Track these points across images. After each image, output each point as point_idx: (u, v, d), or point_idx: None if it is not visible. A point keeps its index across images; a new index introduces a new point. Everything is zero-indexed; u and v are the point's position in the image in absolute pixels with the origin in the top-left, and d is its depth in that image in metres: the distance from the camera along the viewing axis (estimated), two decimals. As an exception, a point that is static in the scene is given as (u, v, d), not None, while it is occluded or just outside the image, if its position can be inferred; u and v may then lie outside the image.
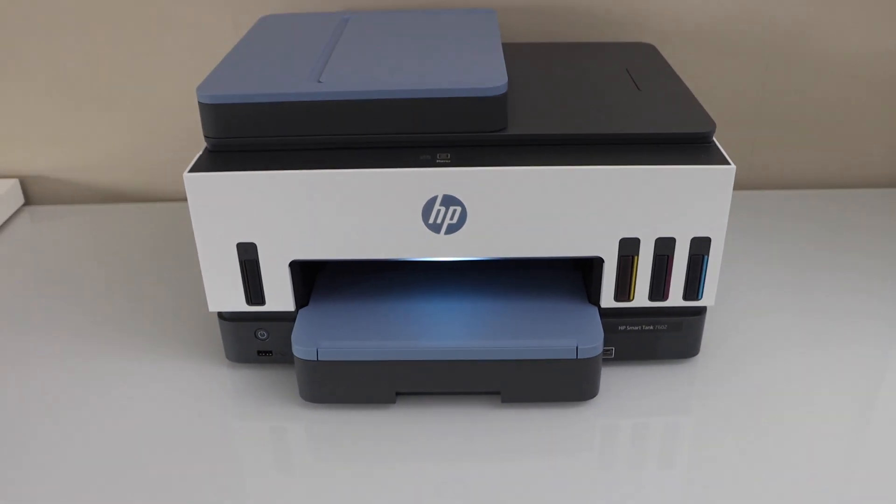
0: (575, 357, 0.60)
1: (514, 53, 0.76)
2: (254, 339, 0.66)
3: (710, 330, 0.70)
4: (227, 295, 0.63)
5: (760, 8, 0.88)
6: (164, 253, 0.86)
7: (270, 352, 0.66)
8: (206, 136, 0.61)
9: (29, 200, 0.98)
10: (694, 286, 0.62)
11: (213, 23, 0.89)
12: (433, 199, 0.59)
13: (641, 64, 0.75)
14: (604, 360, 0.64)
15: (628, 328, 0.65)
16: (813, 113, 0.94)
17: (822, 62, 0.91)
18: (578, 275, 0.68)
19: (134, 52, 0.90)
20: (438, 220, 0.59)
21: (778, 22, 0.89)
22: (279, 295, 0.63)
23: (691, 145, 0.61)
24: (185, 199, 0.96)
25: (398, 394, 0.63)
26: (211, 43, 0.90)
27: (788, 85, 0.93)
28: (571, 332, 0.61)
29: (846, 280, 0.79)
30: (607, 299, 0.63)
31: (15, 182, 0.96)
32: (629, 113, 0.64)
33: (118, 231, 0.91)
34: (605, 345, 0.64)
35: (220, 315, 0.66)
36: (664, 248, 0.61)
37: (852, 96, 0.93)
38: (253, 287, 0.62)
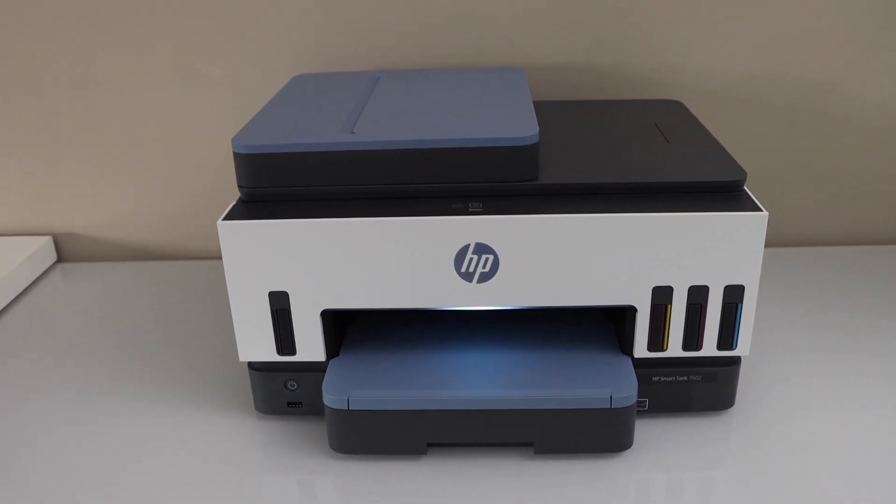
0: (609, 406, 0.59)
1: (543, 110, 0.77)
2: (284, 390, 0.66)
3: (745, 384, 0.69)
4: (258, 345, 0.63)
5: (787, 63, 0.89)
6: (195, 309, 0.86)
7: (300, 403, 0.66)
8: (240, 186, 0.62)
9: (61, 258, 1.00)
10: (728, 335, 0.62)
11: (245, 83, 0.91)
12: (465, 248, 0.59)
13: (670, 119, 0.76)
14: (637, 411, 0.63)
15: (662, 379, 0.64)
16: (842, 168, 0.94)
17: (850, 116, 0.92)
18: (611, 326, 0.68)
19: (167, 111, 0.92)
20: (471, 269, 0.59)
21: (805, 77, 0.90)
22: (310, 345, 0.63)
23: (722, 194, 0.61)
24: (217, 258, 0.97)
25: (429, 445, 0.62)
26: (243, 102, 0.91)
27: (817, 140, 0.93)
28: (605, 382, 0.60)
29: (882, 336, 0.78)
30: (640, 349, 0.62)
31: (48, 239, 0.97)
32: (659, 163, 0.64)
33: (150, 288, 0.91)
34: (638, 396, 0.63)
35: (251, 365, 0.65)
36: (697, 297, 0.60)
37: (881, 150, 0.93)
38: (284, 337, 0.62)
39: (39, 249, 0.95)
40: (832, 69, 0.90)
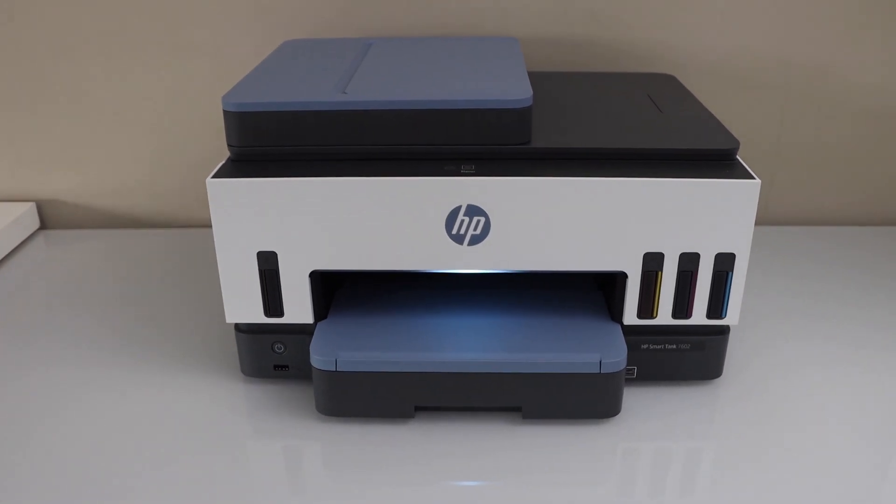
0: (598, 371, 0.59)
1: (536, 80, 0.76)
2: (270, 353, 0.65)
3: (733, 354, 0.69)
4: (245, 306, 0.62)
5: (780, 44, 0.89)
6: (180, 276, 0.85)
7: (287, 366, 0.66)
8: (229, 146, 0.61)
9: (44, 224, 0.98)
10: (718, 304, 0.62)
11: (234, 50, 0.90)
12: (457, 209, 0.58)
13: (662, 90, 0.76)
14: (626, 379, 0.63)
15: (651, 347, 0.64)
16: (831, 149, 0.95)
17: (841, 98, 0.92)
18: (600, 294, 0.68)
19: (154, 78, 0.91)
20: (462, 231, 0.59)
21: (797, 58, 0.90)
22: (298, 306, 0.62)
23: (715, 162, 0.60)
24: (202, 226, 0.97)
25: (417, 408, 0.62)
26: (232, 70, 0.90)
27: (807, 120, 0.93)
28: (595, 347, 0.60)
29: (866, 312, 0.78)
30: (630, 316, 0.62)
31: (31, 206, 0.96)
32: (653, 131, 0.64)
33: (133, 256, 0.90)
34: (627, 363, 0.63)
35: (237, 327, 0.65)
36: (688, 264, 0.60)
37: (870, 133, 0.94)
38: (272, 298, 0.62)
39: (22, 215, 0.94)
40: (825, 51, 0.89)
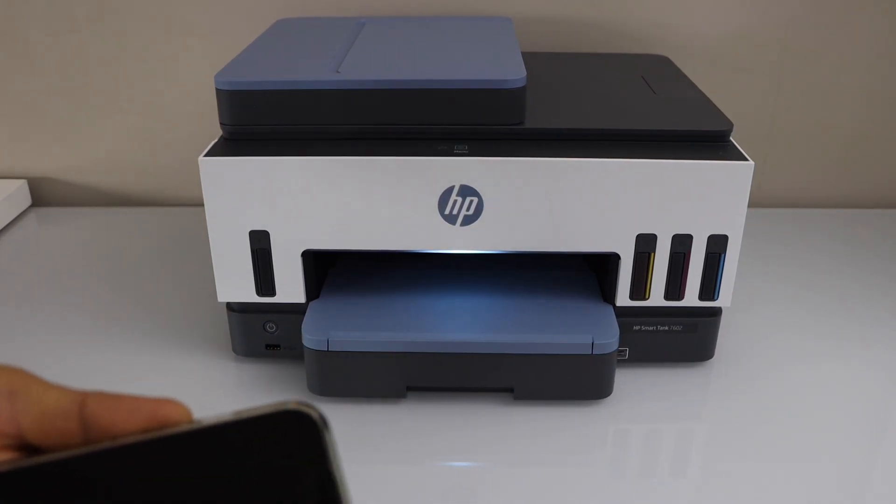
0: (590, 353, 0.59)
1: (529, 60, 0.76)
2: (262, 332, 0.65)
3: (724, 337, 0.69)
4: (237, 285, 0.62)
5: (774, 26, 0.89)
6: (171, 255, 0.85)
7: (278, 345, 0.66)
8: (222, 124, 0.61)
9: (36, 202, 0.98)
10: (710, 286, 0.62)
11: (227, 28, 0.89)
12: (450, 190, 0.58)
13: (656, 72, 0.75)
14: (618, 360, 0.63)
15: (643, 328, 0.64)
16: (824, 132, 0.94)
17: (834, 80, 0.91)
18: (593, 276, 0.68)
19: (146, 56, 0.91)
20: (454, 211, 0.59)
21: (791, 40, 0.89)
22: (290, 286, 0.62)
23: (709, 143, 0.60)
24: (194, 205, 0.96)
25: (409, 389, 0.62)
26: (225, 48, 0.89)
27: (800, 104, 0.93)
28: (587, 328, 0.60)
29: (859, 295, 0.78)
30: (623, 298, 0.62)
31: (23, 183, 0.95)
32: (646, 112, 0.64)
33: (125, 234, 0.90)
34: (619, 345, 0.63)
35: (229, 306, 0.65)
36: (681, 246, 0.60)
37: (864, 115, 0.93)
38: (264, 277, 0.62)
39: (14, 193, 0.93)
40: (818, 34, 0.89)
